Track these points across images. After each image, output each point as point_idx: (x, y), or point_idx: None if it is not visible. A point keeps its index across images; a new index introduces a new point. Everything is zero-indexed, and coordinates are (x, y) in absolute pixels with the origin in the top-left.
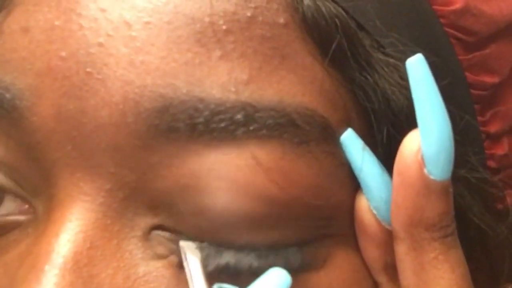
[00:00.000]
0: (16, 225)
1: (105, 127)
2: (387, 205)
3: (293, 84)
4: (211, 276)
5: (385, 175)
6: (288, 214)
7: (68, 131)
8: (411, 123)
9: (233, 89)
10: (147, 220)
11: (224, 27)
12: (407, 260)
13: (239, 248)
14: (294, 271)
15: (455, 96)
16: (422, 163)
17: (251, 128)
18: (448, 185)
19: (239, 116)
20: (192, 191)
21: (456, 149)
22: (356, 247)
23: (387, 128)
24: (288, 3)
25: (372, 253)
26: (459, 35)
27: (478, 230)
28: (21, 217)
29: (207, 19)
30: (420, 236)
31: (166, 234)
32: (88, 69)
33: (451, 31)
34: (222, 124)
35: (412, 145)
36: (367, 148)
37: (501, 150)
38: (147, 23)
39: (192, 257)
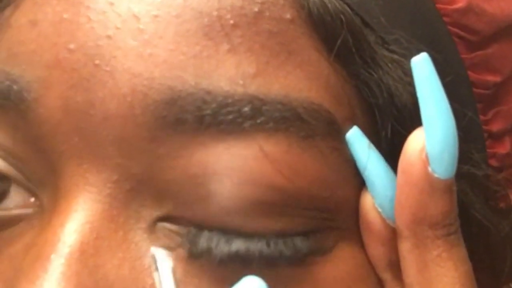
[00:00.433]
0: (21, 218)
1: (112, 119)
2: (391, 203)
3: (299, 79)
4: (222, 264)
5: (390, 173)
6: (295, 204)
7: (76, 122)
8: (414, 119)
9: (240, 82)
10: (153, 212)
11: (231, 21)
12: (410, 258)
13: (248, 235)
14: (301, 260)
15: (458, 94)
16: (426, 162)
17: (258, 121)
18: (452, 183)
19: (246, 109)
20: (200, 178)
21: (459, 146)
22: (360, 243)
23: (391, 124)
24: None
25: (377, 250)
26: (462, 33)
27: (481, 227)
28: (27, 210)
29: (215, 13)
30: (424, 234)
31: (172, 226)
32: (96, 62)
33: (454, 29)
34: (230, 117)
35: (416, 143)
36: (372, 146)
37: (503, 149)
38: (156, 16)
39: (164, 264)
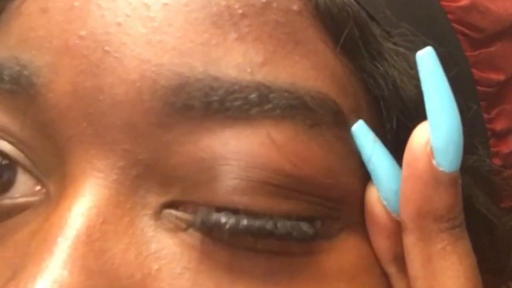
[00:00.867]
0: (27, 206)
1: (121, 104)
2: (397, 196)
3: (306, 68)
4: (233, 238)
5: (395, 167)
6: (301, 188)
7: (84, 108)
8: (419, 111)
9: (248, 69)
10: (159, 198)
11: (239, 11)
12: (415, 251)
13: (256, 215)
14: (308, 245)
15: (462, 90)
16: (431, 155)
17: (265, 108)
18: (456, 176)
19: (253, 96)
20: (207, 162)
21: (464, 139)
22: (365, 236)
23: (397, 116)
24: None
25: (382, 243)
26: (466, 31)
27: (485, 220)
28: (33, 198)
29: (223, 3)
30: (428, 228)
31: (177, 213)
32: (106, 48)
33: (459, 27)
34: (237, 103)
35: (421, 137)
36: (377, 140)
37: (506, 148)
38: (165, 4)
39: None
